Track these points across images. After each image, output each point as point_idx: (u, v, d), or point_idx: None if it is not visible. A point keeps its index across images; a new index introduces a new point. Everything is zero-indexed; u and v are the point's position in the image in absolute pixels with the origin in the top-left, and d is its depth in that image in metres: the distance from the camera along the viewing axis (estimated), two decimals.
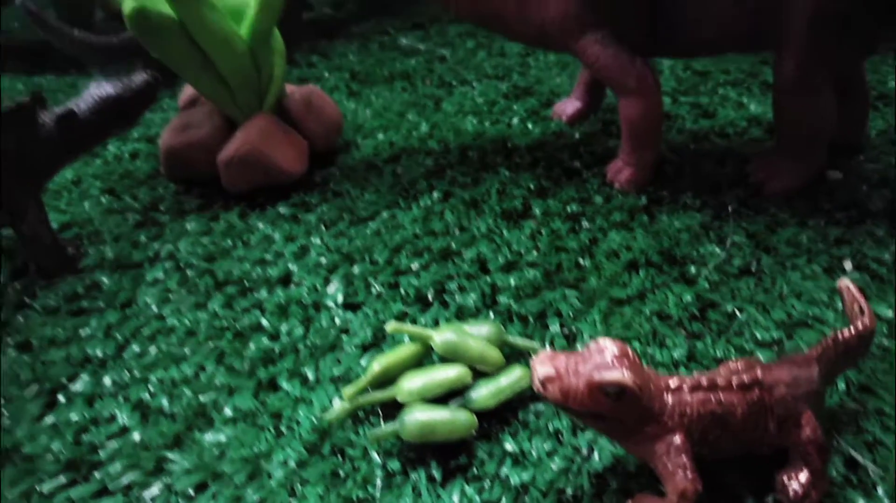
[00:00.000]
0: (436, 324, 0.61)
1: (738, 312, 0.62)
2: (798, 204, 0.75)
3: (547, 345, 0.59)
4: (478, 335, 0.55)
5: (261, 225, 0.72)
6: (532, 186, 0.77)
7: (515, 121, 0.90)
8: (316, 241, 0.70)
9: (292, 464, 0.49)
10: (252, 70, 0.74)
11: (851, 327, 0.51)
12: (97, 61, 0.98)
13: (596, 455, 0.50)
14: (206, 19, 0.68)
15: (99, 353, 0.58)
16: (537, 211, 0.74)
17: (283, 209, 0.74)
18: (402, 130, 0.87)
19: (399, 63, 1.03)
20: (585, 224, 0.72)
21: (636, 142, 0.75)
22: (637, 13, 0.70)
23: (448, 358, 0.54)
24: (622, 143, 0.76)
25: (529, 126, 0.89)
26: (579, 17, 0.71)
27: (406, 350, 0.54)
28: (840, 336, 0.50)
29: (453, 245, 0.69)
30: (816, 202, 0.75)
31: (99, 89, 0.69)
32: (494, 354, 0.54)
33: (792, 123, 0.73)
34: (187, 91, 0.81)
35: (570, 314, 0.62)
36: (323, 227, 0.72)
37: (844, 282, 0.59)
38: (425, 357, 0.55)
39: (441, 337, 0.54)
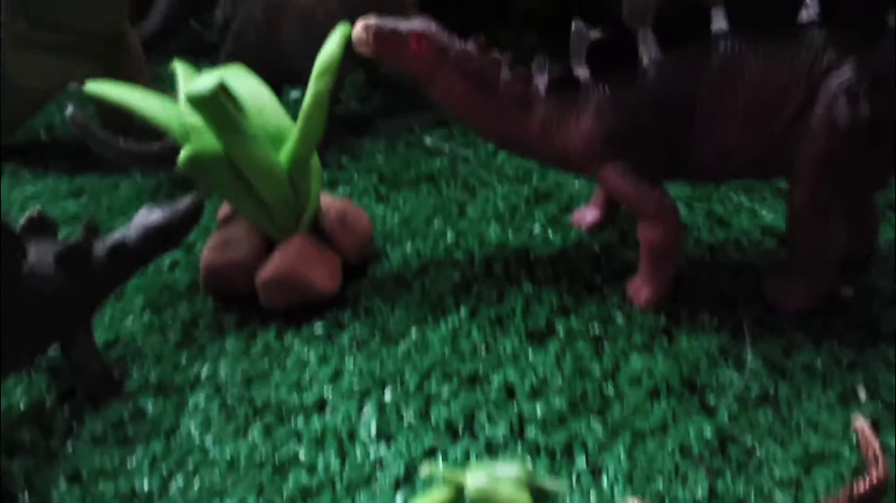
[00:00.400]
0: (466, 457, 0.64)
1: (756, 447, 0.64)
2: (812, 323, 0.78)
3: (574, 482, 0.61)
4: (507, 477, 0.58)
5: (296, 345, 0.76)
6: (555, 303, 0.80)
7: (537, 228, 0.93)
8: (349, 363, 0.73)
9: None
10: (291, 194, 0.78)
11: (866, 479, 0.54)
12: (140, 167, 1.03)
13: None
14: (252, 154, 0.73)
15: (146, 487, 0.61)
16: (561, 331, 0.77)
17: (317, 327, 0.78)
18: (429, 239, 0.91)
19: (424, 164, 1.07)
20: (608, 346, 0.75)
21: (655, 263, 0.78)
22: (655, 146, 0.74)
23: (479, 501, 0.57)
24: (641, 263, 0.80)
25: (550, 234, 0.92)
26: (601, 149, 0.75)
27: (440, 495, 0.57)
28: (855, 491, 0.53)
29: (481, 369, 0.72)
30: (829, 322, 0.78)
31: (149, 216, 0.73)
32: (524, 500, 0.57)
33: (805, 246, 0.76)
34: (226, 205, 0.86)
35: (596, 447, 0.64)
36: (355, 348, 0.75)
37: (860, 423, 0.61)
38: (458, 499, 0.58)
39: (474, 483, 0.56)
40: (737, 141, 0.72)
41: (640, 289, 0.80)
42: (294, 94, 1.27)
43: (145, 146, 0.96)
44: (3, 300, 0.61)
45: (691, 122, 0.72)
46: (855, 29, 0.67)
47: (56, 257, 0.65)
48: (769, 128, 0.70)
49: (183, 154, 0.68)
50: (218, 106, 0.66)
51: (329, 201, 0.86)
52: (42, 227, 0.67)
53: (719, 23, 0.70)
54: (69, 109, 0.91)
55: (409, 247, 0.90)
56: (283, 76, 1.08)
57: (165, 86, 1.35)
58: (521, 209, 0.98)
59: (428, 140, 1.14)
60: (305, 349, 0.75)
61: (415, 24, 0.75)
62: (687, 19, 0.69)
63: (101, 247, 0.70)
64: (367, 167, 1.07)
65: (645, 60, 0.73)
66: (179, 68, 0.83)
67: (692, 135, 0.73)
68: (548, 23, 1.42)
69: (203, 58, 1.46)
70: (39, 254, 0.65)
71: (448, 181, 1.04)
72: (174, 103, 0.79)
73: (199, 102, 0.65)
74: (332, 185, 1.03)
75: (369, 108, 1.24)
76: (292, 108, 1.24)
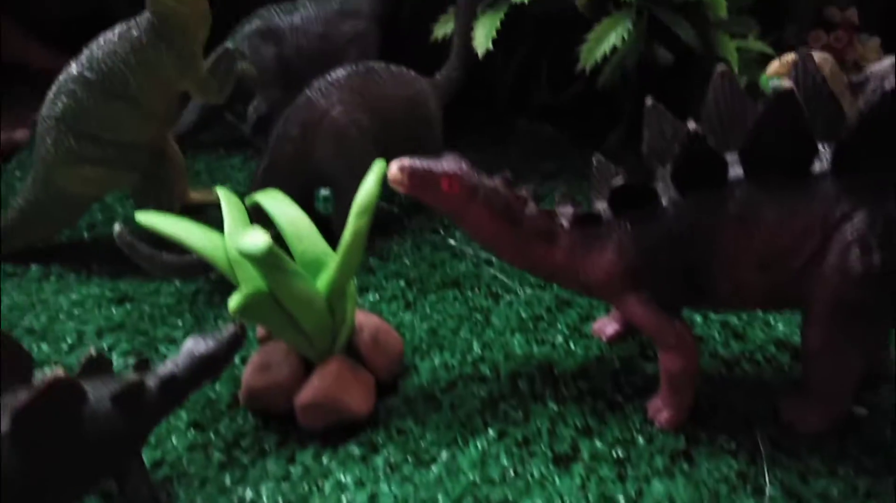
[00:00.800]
0: None
1: None
2: (828, 446, 0.81)
3: None
4: None
5: (334, 467, 0.79)
6: (579, 424, 0.84)
7: (559, 339, 0.97)
8: (384, 487, 0.77)
9: None
10: (328, 319, 0.83)
11: None
12: (181, 278, 1.08)
13: None
14: (294, 288, 0.77)
15: None
16: (585, 454, 0.80)
17: (353, 449, 0.81)
18: (457, 352, 0.95)
19: (449, 267, 1.12)
20: (630, 471, 0.78)
21: (675, 389, 0.82)
22: (674, 280, 0.78)
23: None
24: (661, 387, 0.83)
25: (572, 345, 0.96)
26: (621, 281, 0.80)
27: None
28: None
29: (510, 495, 0.76)
30: (845, 445, 0.81)
31: (196, 346, 0.77)
32: None
33: (820, 377, 0.80)
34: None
35: None
36: (389, 471, 0.79)
37: None
38: None
39: None
40: (753, 281, 0.76)
41: (660, 410, 0.84)
42: (324, 191, 1.32)
43: (186, 258, 1.01)
44: (65, 448, 0.65)
45: (709, 260, 0.76)
46: (867, 180, 0.72)
47: (112, 397, 0.69)
48: (784, 272, 0.74)
49: (234, 303, 0.73)
50: (270, 260, 0.71)
51: (363, 319, 0.90)
52: (98, 365, 0.72)
53: (736, 170, 0.75)
54: (116, 227, 0.96)
55: (437, 359, 0.94)
56: (317, 182, 1.14)
57: (199, 181, 1.41)
58: (543, 318, 1.02)
59: (452, 241, 1.19)
60: (342, 472, 0.79)
61: (446, 164, 0.80)
62: (704, 168, 0.74)
63: (152, 380, 0.74)
64: (395, 271, 1.12)
65: (664, 200, 0.78)
66: (223, 195, 0.89)
67: (710, 272, 0.77)
68: (564, 116, 1.49)
69: (235, 151, 1.53)
70: (96, 393, 0.69)
71: (473, 286, 1.09)
72: (219, 235, 0.84)
73: (250, 258, 0.71)
74: (362, 291, 1.08)
75: (395, 205, 1.29)
76: (322, 204, 1.31)
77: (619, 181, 0.77)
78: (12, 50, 1.83)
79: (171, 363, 0.77)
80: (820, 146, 0.74)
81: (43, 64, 1.84)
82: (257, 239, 0.70)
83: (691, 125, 0.72)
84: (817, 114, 0.75)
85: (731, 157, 0.76)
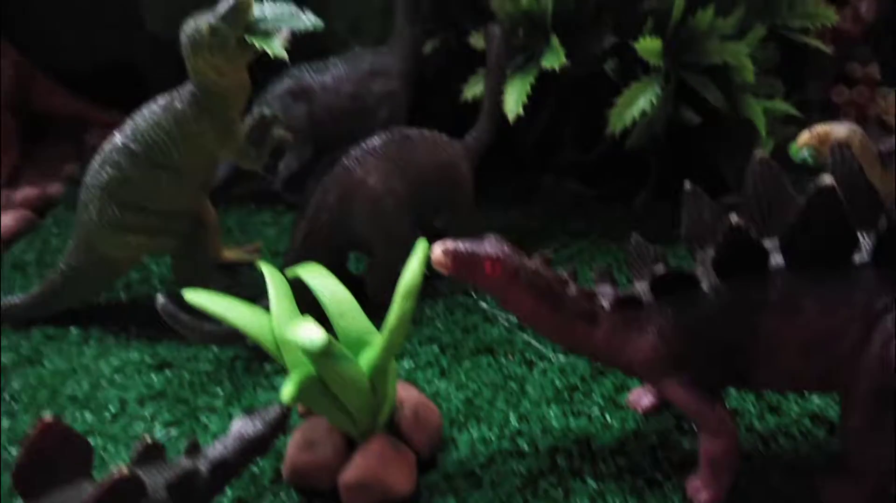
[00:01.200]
0: None
1: None
2: None
3: None
4: None
5: None
6: None
7: (595, 411, 0.98)
8: None
9: None
10: (371, 398, 0.84)
11: None
12: (220, 344, 1.10)
13: None
14: (341, 372, 0.79)
15: None
16: None
17: None
18: (494, 425, 0.96)
19: (483, 332, 1.13)
20: None
21: (715, 470, 0.83)
22: (714, 364, 0.79)
23: None
24: (701, 468, 0.84)
25: (609, 418, 0.97)
26: (663, 364, 0.81)
27: None
28: None
29: None
30: None
31: (244, 428, 0.79)
32: None
33: (859, 457, 0.80)
34: None
35: None
36: None
37: None
38: None
39: None
40: (794, 368, 0.77)
41: (699, 490, 0.84)
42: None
43: (225, 326, 1.02)
44: None
45: (750, 347, 0.77)
46: None
47: (168, 487, 0.71)
48: (826, 360, 0.75)
49: (287, 394, 0.74)
50: (326, 352, 0.73)
51: (402, 394, 0.91)
52: (153, 452, 0.73)
53: (776, 258, 0.76)
54: (159, 299, 0.98)
55: (474, 432, 0.95)
56: (352, 247, 1.16)
57: (231, 237, 1.43)
58: (578, 387, 1.03)
59: (483, 304, 1.21)
60: None
61: (489, 246, 0.81)
62: (745, 257, 0.75)
63: (203, 464, 0.76)
64: (428, 336, 1.13)
65: (705, 285, 0.79)
66: (267, 273, 0.90)
67: (751, 358, 0.78)
68: (590, 174, 1.51)
69: (266, 206, 1.55)
70: (152, 482, 0.71)
71: (506, 352, 1.10)
72: (265, 314, 0.86)
73: (307, 352, 0.72)
74: (396, 358, 1.09)
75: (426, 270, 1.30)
76: (353, 264, 1.32)
77: (660, 269, 0.78)
78: (40, 99, 1.87)
79: (221, 445, 0.78)
80: (859, 235, 0.75)
81: (70, 112, 1.87)
82: (313, 333, 0.71)
83: (734, 218, 0.73)
84: (855, 203, 0.76)
85: (771, 243, 0.78)
